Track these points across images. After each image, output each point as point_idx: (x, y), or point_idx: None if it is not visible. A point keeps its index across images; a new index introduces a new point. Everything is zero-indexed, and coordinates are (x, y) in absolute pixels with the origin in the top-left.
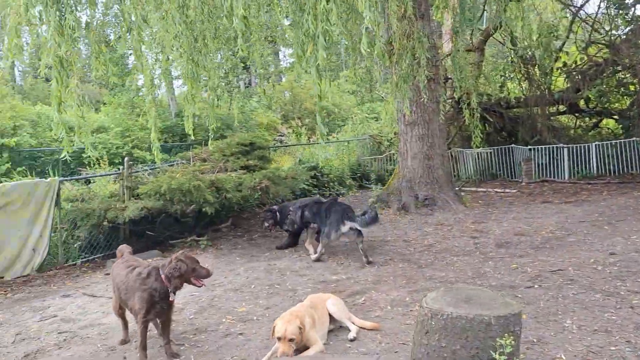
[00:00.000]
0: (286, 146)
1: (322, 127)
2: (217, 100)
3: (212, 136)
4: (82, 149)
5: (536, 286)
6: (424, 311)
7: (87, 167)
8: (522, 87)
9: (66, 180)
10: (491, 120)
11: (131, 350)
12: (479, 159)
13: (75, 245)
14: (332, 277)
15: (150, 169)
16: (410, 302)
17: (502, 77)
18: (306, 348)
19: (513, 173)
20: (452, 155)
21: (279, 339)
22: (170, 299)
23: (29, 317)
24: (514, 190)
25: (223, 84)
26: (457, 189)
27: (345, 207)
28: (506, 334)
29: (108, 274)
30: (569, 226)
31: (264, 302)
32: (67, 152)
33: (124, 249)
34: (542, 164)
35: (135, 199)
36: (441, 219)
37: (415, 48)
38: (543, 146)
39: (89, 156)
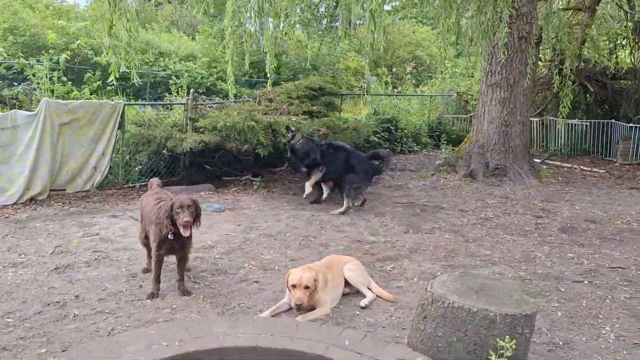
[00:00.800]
0: (358, 94)
1: (370, 81)
2: (308, 39)
3: (272, 76)
4: (173, 75)
5: (586, 281)
6: (427, 294)
7: (168, 94)
8: (633, 56)
9: (130, 104)
10: (592, 90)
11: (150, 280)
12: (572, 131)
13: (136, 168)
14: (370, 237)
15: (217, 103)
16: None
17: (612, 44)
18: (313, 309)
19: (608, 151)
20: (542, 124)
21: (294, 286)
22: (184, 234)
23: (74, 231)
24: (603, 171)
25: (315, 22)
26: (538, 161)
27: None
28: (509, 336)
29: None
30: None
31: (293, 252)
32: (115, 77)
33: (154, 181)
34: None
35: (195, 131)
36: (509, 191)
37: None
38: None
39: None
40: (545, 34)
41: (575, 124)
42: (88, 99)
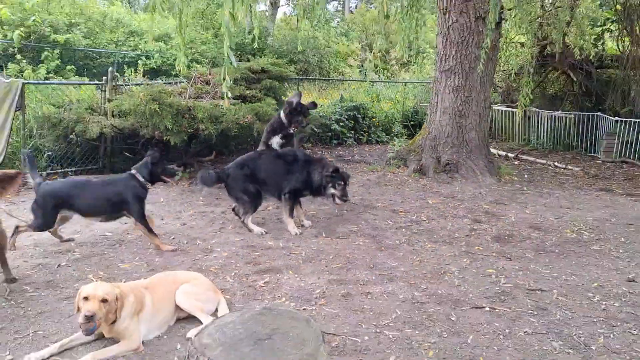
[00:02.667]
0: (320, 79)
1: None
2: (297, 21)
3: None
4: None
5: (488, 307)
6: (189, 344)
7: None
8: (622, 43)
9: (31, 83)
10: (575, 79)
11: None
12: (555, 124)
13: (45, 155)
14: (268, 242)
15: (141, 84)
16: (317, 297)
17: (600, 28)
18: (116, 342)
19: (593, 146)
20: (525, 115)
21: (86, 299)
22: None
23: None
24: (578, 169)
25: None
26: (512, 155)
27: None
28: None
29: None
30: (606, 228)
31: (161, 260)
32: None
33: None
34: (628, 140)
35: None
36: (457, 190)
37: None
38: (634, 120)
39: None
40: (519, 16)
41: (558, 117)
42: (45, 78)
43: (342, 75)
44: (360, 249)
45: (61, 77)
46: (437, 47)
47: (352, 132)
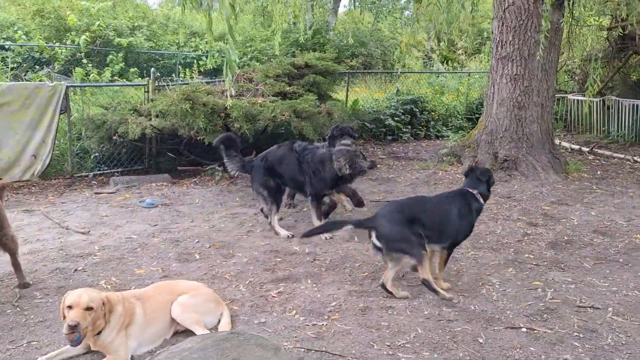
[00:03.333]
0: (385, 72)
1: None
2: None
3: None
4: (203, 55)
5: (525, 329)
6: None
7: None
8: None
9: (75, 86)
10: None
11: None
12: (637, 113)
13: (92, 155)
14: (294, 247)
15: (183, 84)
16: (331, 310)
17: None
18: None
19: None
20: (604, 104)
21: (70, 307)
22: None
23: None
24: None
25: None
26: (586, 149)
27: None
28: None
29: (98, 193)
30: None
31: (178, 266)
32: None
33: None
34: None
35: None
36: (516, 189)
37: None
38: None
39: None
40: None
41: None
42: (111, 80)
43: (407, 68)
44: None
45: (125, 79)
46: (493, 32)
47: (409, 127)
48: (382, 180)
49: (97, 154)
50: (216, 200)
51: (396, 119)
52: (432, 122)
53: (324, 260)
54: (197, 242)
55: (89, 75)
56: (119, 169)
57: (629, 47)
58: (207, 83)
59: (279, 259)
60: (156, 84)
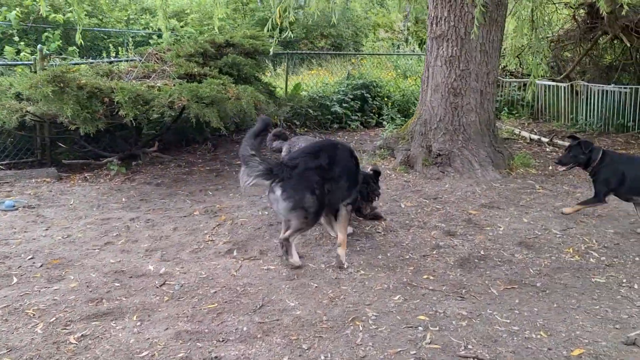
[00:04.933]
0: (321, 53)
1: None
2: None
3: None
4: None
5: None
6: None
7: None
8: None
9: None
10: (629, 44)
11: None
12: (606, 100)
13: None
14: (148, 267)
15: (81, 63)
16: None
17: None
18: None
19: None
20: (572, 89)
21: None
22: None
23: None
24: None
25: None
26: (545, 140)
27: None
28: None
29: None
30: (628, 247)
31: None
32: None
33: None
34: None
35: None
36: (446, 188)
37: None
38: None
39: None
40: None
41: (611, 91)
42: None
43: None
44: (263, 278)
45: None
46: (428, 7)
47: (359, 114)
48: None
49: None
50: (96, 202)
51: (344, 105)
52: (385, 110)
53: (174, 286)
54: (31, 258)
55: (19, 54)
56: (5, 162)
57: (598, 27)
58: (114, 62)
59: (117, 284)
60: (49, 63)
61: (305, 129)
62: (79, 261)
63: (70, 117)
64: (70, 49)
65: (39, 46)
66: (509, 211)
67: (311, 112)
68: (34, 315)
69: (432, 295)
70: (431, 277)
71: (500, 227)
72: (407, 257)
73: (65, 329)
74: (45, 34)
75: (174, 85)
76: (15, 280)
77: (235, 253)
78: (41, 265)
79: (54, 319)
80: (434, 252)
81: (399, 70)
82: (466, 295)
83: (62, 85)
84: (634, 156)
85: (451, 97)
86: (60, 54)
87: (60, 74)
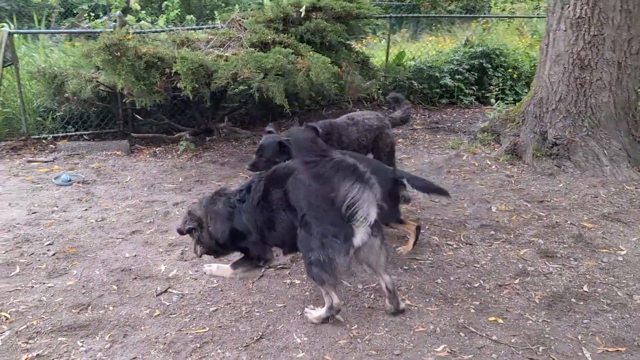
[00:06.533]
0: (426, 17)
1: None
2: None
3: None
4: None
5: None
6: None
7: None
8: None
9: (19, 33)
10: None
11: None
12: None
13: (54, 116)
14: (159, 266)
15: (159, 31)
16: None
17: None
18: None
19: None
20: None
21: None
22: None
23: None
24: None
25: None
26: None
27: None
28: None
29: (31, 161)
30: None
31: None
32: None
33: None
34: None
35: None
36: (560, 189)
37: None
38: None
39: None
40: None
41: None
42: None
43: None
44: (280, 296)
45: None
46: None
47: (475, 87)
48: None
49: (60, 114)
50: (151, 180)
51: (458, 77)
52: (509, 82)
53: (173, 296)
54: (50, 244)
55: (139, 22)
56: (88, 132)
57: None
58: (196, 29)
59: (115, 287)
60: (126, 31)
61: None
62: (94, 252)
63: (123, 88)
64: (187, 17)
65: (117, 12)
66: (639, 228)
67: (415, 84)
68: (6, 319)
69: (493, 351)
70: (500, 321)
71: (622, 250)
72: (476, 285)
73: (26, 343)
74: (166, 2)
75: (243, 54)
76: (17, 270)
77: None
78: (53, 254)
79: (24, 327)
80: (516, 281)
81: (535, 36)
82: (543, 356)
83: (118, 54)
84: None
85: (576, 71)
86: (139, 20)
87: (117, 41)
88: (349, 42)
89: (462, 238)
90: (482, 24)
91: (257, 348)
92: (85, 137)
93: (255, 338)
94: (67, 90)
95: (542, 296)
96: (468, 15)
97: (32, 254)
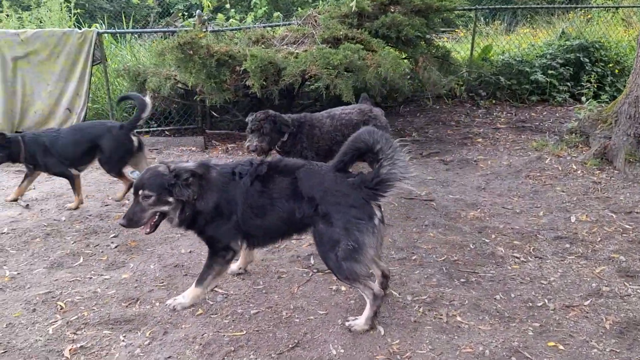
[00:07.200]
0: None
1: None
2: None
3: None
4: None
5: None
6: None
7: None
8: None
9: (107, 32)
10: None
11: None
12: None
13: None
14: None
15: (235, 29)
16: None
17: None
18: None
19: None
20: None
21: None
22: None
23: None
24: None
25: None
26: None
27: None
28: None
29: None
30: None
31: (34, 268)
32: None
33: None
34: None
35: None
36: None
37: None
38: None
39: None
40: None
41: None
42: None
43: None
44: (324, 302)
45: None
46: None
47: (570, 84)
48: (457, 163)
49: None
50: None
51: (550, 72)
52: (609, 78)
53: (218, 296)
54: (114, 236)
55: (228, 20)
56: (169, 127)
57: None
58: (272, 26)
59: (165, 283)
60: (204, 29)
61: (494, 101)
62: (153, 247)
63: (193, 86)
64: (275, 14)
65: (197, 11)
66: None
67: (502, 80)
68: (61, 309)
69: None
70: (560, 347)
71: None
72: (540, 304)
73: (74, 333)
74: (254, 0)
75: (313, 51)
76: (80, 260)
77: (313, 260)
78: (116, 247)
79: (75, 317)
80: (586, 303)
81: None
82: None
83: (191, 52)
84: None
85: None
86: (213, 20)
87: (190, 40)
88: (428, 36)
89: (531, 250)
90: (582, 14)
91: (290, 356)
92: (166, 132)
93: (290, 346)
94: (148, 87)
95: (614, 322)
96: (568, 5)
97: (97, 245)
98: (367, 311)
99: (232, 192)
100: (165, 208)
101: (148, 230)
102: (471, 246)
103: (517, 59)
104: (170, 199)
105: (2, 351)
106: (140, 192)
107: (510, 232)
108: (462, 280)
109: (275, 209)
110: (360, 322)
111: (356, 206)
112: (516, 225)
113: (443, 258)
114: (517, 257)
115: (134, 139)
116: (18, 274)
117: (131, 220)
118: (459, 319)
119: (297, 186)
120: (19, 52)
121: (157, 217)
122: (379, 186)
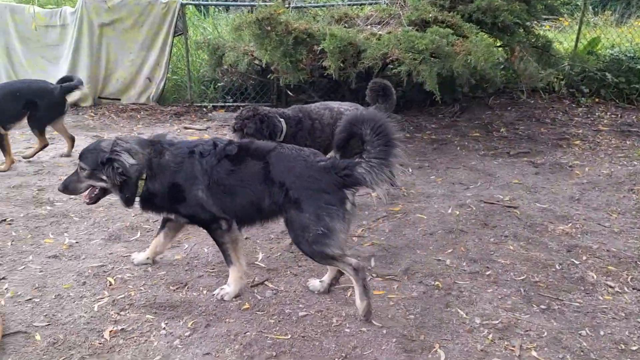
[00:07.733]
0: None
1: None
2: None
3: None
4: None
5: None
6: None
7: None
8: None
9: (190, 4)
10: None
11: None
12: None
13: (217, 85)
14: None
15: (322, 6)
16: None
17: None
18: None
19: None
20: None
21: None
22: None
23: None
24: None
25: None
26: None
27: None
28: None
29: (187, 128)
30: None
31: (84, 236)
32: None
33: None
34: None
35: None
36: None
37: None
38: None
39: None
40: None
41: None
42: None
43: None
44: (381, 314)
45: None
46: None
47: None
48: (549, 166)
49: (221, 84)
50: None
51: (590, 72)
52: None
53: (267, 291)
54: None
55: None
56: (244, 104)
57: None
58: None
59: (216, 270)
60: (287, 4)
61: (597, 100)
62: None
63: (267, 64)
64: None
65: None
66: None
67: (609, 77)
68: (110, 285)
69: None
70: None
71: None
72: (635, 347)
73: (118, 314)
74: None
75: (398, 33)
76: (137, 235)
77: (373, 262)
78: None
79: (122, 296)
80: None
81: None
82: None
83: (269, 28)
84: None
85: None
86: None
87: (269, 15)
88: (528, 23)
89: (628, 280)
90: None
91: None
92: (241, 108)
93: (336, 359)
94: (225, 62)
95: None
96: None
97: (156, 220)
98: (356, 288)
99: (188, 170)
100: (101, 184)
101: (87, 200)
102: (557, 267)
103: (629, 54)
104: (104, 177)
105: (46, 323)
106: (79, 162)
107: (606, 255)
108: (542, 306)
109: (245, 190)
110: (357, 301)
111: (328, 191)
112: (613, 247)
113: (522, 277)
114: (611, 286)
115: (67, 103)
116: (76, 242)
117: (66, 188)
118: (534, 353)
119: (268, 170)
120: (105, 19)
121: (97, 190)
122: (347, 179)
